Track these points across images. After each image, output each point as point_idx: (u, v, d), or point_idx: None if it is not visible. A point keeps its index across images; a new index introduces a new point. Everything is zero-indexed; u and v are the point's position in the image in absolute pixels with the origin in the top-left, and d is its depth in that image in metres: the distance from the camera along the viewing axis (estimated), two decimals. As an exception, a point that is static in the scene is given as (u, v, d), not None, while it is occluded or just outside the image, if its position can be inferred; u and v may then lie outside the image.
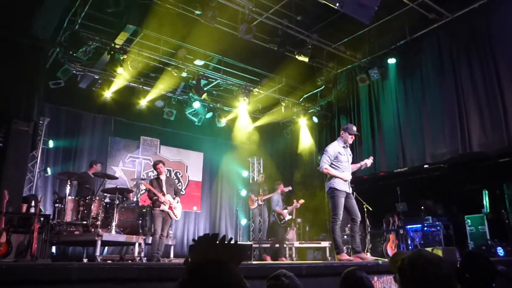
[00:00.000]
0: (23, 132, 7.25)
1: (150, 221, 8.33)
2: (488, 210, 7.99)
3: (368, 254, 6.78)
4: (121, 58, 8.40)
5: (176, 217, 7.23)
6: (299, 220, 9.81)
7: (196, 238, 1.30)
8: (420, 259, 1.63)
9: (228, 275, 1.15)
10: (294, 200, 9.40)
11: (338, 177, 5.62)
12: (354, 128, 5.83)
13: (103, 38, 8.18)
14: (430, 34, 8.45)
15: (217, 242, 1.27)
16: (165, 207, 6.97)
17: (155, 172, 7.45)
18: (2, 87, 7.11)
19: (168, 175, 7.58)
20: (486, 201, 8.09)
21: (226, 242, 1.27)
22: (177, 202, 7.21)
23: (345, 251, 5.78)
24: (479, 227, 7.82)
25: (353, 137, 5.87)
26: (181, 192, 8.22)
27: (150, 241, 7.47)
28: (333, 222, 5.61)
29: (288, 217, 8.65)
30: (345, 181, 5.64)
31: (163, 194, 7.02)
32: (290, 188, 10.02)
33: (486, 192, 8.14)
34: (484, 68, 7.64)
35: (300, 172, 11.43)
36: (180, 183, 12.14)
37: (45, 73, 8.21)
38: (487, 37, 7.63)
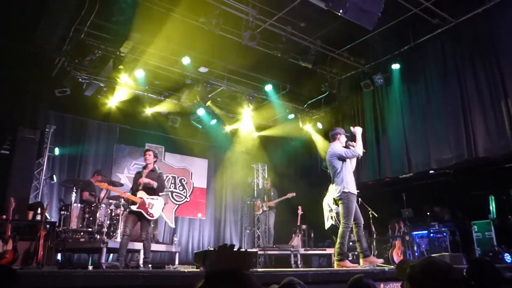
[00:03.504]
0: (29, 140, 7.32)
1: (153, 227, 8.33)
2: (495, 216, 7.92)
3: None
4: (126, 66, 8.46)
5: (152, 217, 6.29)
6: (304, 226, 9.78)
7: (212, 248, 1.34)
8: (431, 266, 1.63)
9: (248, 283, 1.17)
10: (299, 207, 9.45)
11: (349, 179, 5.58)
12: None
13: (108, 47, 8.24)
14: (434, 39, 8.45)
15: (233, 251, 1.30)
16: (133, 207, 6.14)
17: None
18: (8, 95, 7.20)
19: (153, 169, 6.50)
20: (492, 206, 8.03)
21: (241, 251, 1.30)
22: (156, 199, 6.35)
23: (349, 258, 5.75)
24: (486, 233, 7.75)
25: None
26: (166, 189, 7.50)
27: (155, 248, 7.47)
28: (345, 228, 5.49)
29: None
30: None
31: (136, 191, 6.23)
32: (294, 194, 10.03)
33: (493, 197, 8.07)
34: (488, 72, 7.62)
35: (305, 177, 11.42)
36: (185, 190, 12.15)
37: (51, 81, 8.28)
38: (491, 42, 7.61)
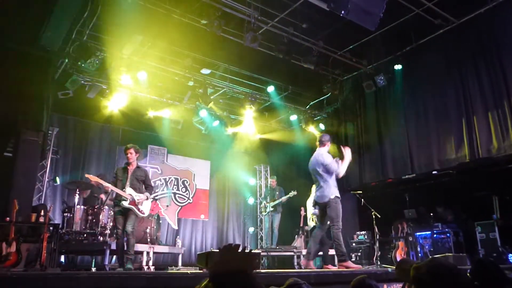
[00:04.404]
0: (32, 142, 7.35)
1: (156, 229, 8.32)
2: (499, 217, 7.89)
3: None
4: (129, 68, 8.48)
5: (143, 214, 6.17)
6: (306, 227, 9.75)
7: (215, 249, 1.36)
8: (440, 268, 1.62)
9: (251, 284, 1.18)
10: (302, 208, 9.39)
11: (336, 184, 5.92)
12: None
13: (111, 49, 8.26)
14: (436, 39, 8.43)
15: (239, 252, 1.30)
16: (125, 203, 5.95)
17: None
18: (12, 97, 7.22)
19: (138, 166, 6.38)
20: (496, 207, 7.99)
21: (245, 252, 1.31)
22: (146, 199, 6.19)
23: (352, 259, 5.82)
24: (490, 233, 7.71)
25: None
26: (153, 189, 7.13)
27: (158, 250, 7.43)
28: (337, 229, 5.77)
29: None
30: None
31: (123, 187, 6.03)
32: (295, 192, 9.98)
33: (496, 198, 8.04)
34: (491, 73, 7.60)
35: (307, 179, 11.39)
36: (187, 192, 12.16)
37: (54, 83, 8.31)
38: (493, 42, 7.60)
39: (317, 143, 6.24)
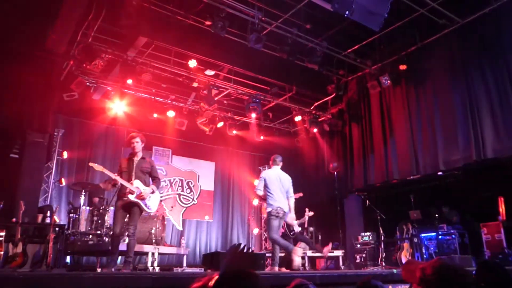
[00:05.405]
0: (38, 144, 7.41)
1: (160, 230, 8.34)
2: (504, 218, 7.83)
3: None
4: (133, 69, 8.52)
5: (150, 209, 5.61)
6: (311, 229, 9.74)
7: (220, 250, 1.38)
8: (446, 269, 1.62)
9: (257, 284, 1.19)
10: (306, 209, 9.34)
11: None
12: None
13: (116, 51, 8.31)
14: (441, 40, 8.39)
15: (239, 252, 1.33)
16: (131, 197, 5.36)
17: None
18: (18, 99, 7.28)
19: (143, 157, 5.80)
20: (502, 208, 7.93)
21: (246, 251, 1.33)
22: (152, 192, 5.56)
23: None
24: (495, 235, 7.66)
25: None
26: (162, 181, 6.63)
27: (163, 251, 7.43)
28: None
29: (298, 229, 8.28)
30: None
31: (130, 180, 5.45)
32: (301, 194, 9.94)
33: (502, 199, 7.98)
34: (496, 73, 7.57)
35: (312, 179, 11.38)
36: (192, 193, 12.18)
37: (59, 85, 8.36)
38: (498, 41, 7.56)
39: (272, 162, 6.67)
